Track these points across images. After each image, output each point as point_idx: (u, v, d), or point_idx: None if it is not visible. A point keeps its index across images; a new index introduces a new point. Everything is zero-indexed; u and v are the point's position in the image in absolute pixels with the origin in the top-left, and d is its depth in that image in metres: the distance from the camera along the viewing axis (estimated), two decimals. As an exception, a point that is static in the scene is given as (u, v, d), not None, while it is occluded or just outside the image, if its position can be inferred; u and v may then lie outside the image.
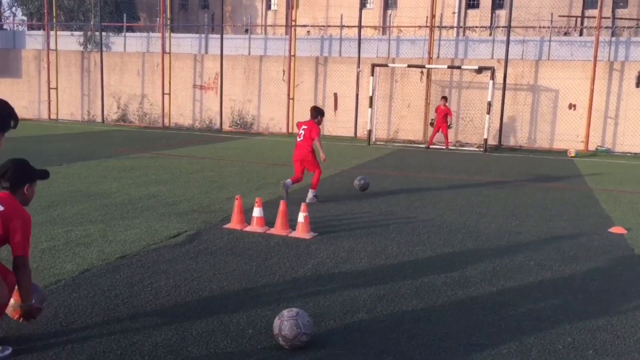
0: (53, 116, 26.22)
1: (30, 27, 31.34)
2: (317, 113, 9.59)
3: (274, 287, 5.23)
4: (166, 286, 5.11)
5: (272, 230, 7.19)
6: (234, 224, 7.40)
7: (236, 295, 4.98)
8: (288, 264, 5.92)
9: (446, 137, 19.29)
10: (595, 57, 19.29)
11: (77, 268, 5.47)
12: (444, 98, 19.41)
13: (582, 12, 26.82)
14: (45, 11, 26.61)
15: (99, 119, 25.57)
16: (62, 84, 26.25)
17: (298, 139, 9.44)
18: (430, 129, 19.93)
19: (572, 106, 20.08)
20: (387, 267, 5.97)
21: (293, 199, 8.84)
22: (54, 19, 26.18)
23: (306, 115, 9.66)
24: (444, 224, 8.06)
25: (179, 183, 10.49)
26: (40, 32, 27.88)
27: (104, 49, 25.85)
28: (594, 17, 21.75)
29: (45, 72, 26.36)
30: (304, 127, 9.45)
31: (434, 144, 19.62)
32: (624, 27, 24.34)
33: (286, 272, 5.65)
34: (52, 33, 26.18)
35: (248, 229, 7.27)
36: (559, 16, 25.04)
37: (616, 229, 8.01)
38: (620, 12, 26.57)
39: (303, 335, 3.91)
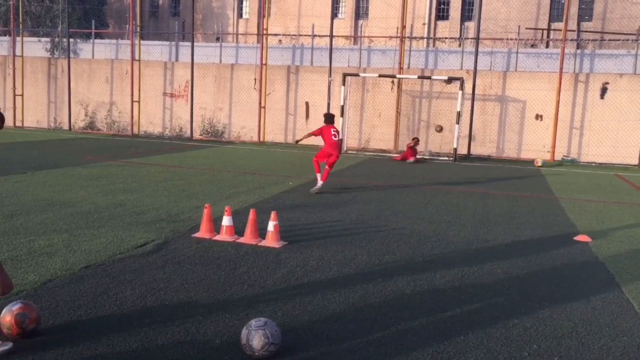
0: (19, 123, 25.68)
1: (-4, 33, 30.67)
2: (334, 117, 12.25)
3: (242, 296, 5.17)
4: (132, 296, 5.01)
5: (242, 239, 7.13)
6: (202, 232, 7.31)
7: (203, 305, 4.91)
8: (257, 273, 5.87)
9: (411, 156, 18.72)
10: (561, 68, 19.72)
11: (39, 279, 5.33)
12: (415, 139, 18.92)
13: (549, 24, 27.44)
14: (12, 16, 26.10)
15: (66, 127, 25.12)
16: (28, 90, 25.74)
17: (334, 139, 11.51)
18: (401, 140, 19.87)
19: (538, 117, 20.46)
20: (356, 275, 5.96)
21: (263, 208, 8.80)
22: (21, 25, 25.68)
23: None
24: (413, 232, 8.10)
25: (147, 191, 10.35)
26: (6, 37, 27.31)
27: (71, 55, 25.44)
28: (560, 30, 22.25)
29: (11, 78, 25.81)
30: (333, 129, 11.62)
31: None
32: (589, 40, 24.95)
33: (255, 281, 5.60)
34: (19, 39, 25.68)
35: (217, 237, 7.20)
36: (526, 28, 25.56)
37: (581, 237, 8.16)
38: (585, 25, 27.25)
39: (271, 345, 3.87)
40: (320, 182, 11.28)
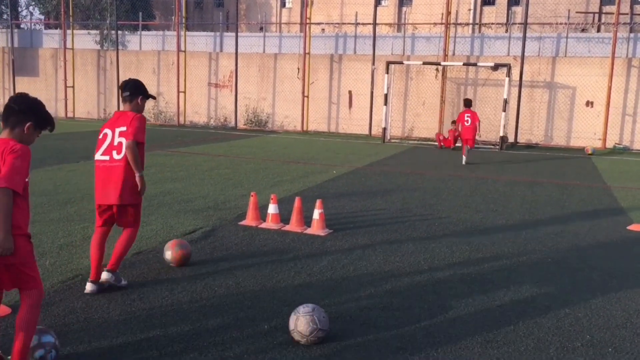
0: (70, 114, 26.45)
1: (47, 26, 31.64)
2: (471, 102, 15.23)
3: (289, 283, 5.22)
4: (182, 281, 5.13)
5: (288, 227, 7.19)
6: (249, 220, 7.40)
7: (251, 291, 4.98)
8: (304, 260, 5.91)
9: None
10: (613, 53, 19.04)
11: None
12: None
13: (600, 8, 26.49)
14: (62, 10, 26.84)
15: (115, 117, 25.73)
16: (79, 82, 26.47)
17: (466, 124, 14.41)
18: (446, 128, 19.62)
19: (589, 103, 19.85)
20: (402, 264, 5.94)
21: (308, 196, 8.84)
22: (71, 18, 26.38)
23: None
24: (459, 221, 8.00)
25: (194, 180, 10.53)
26: (57, 30, 28.13)
27: (119, 47, 26.01)
28: (612, 13, 21.47)
29: (62, 70, 26.57)
30: (467, 114, 14.44)
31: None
32: (643, 23, 24.01)
33: (302, 269, 5.64)
34: (69, 32, 26.40)
35: (263, 225, 7.27)
36: (576, 12, 24.76)
37: (635, 227, 7.90)
38: (638, 8, 26.20)
39: (319, 331, 3.91)
40: (463, 157, 14.18)
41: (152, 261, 5.68)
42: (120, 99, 5.07)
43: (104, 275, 4.79)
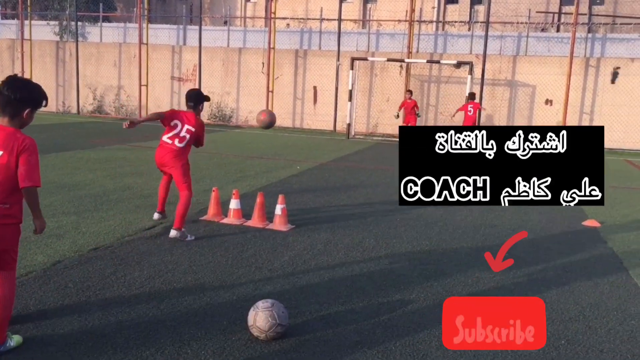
0: (27, 107, 25.74)
1: (4, 16, 30.66)
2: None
3: (249, 278, 5.19)
4: (140, 278, 5.04)
5: (249, 223, 7.15)
6: (210, 216, 7.34)
7: (211, 287, 4.93)
8: (265, 256, 5.89)
9: None
10: (572, 53, 19.50)
11: (48, 260, 5.38)
12: (409, 92, 19.41)
13: (560, 8, 27.06)
14: (20, 0, 26.09)
15: (74, 110, 25.18)
16: (37, 74, 25.76)
17: (469, 113, 16.22)
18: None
19: (548, 101, 20.30)
20: (363, 259, 5.97)
21: (271, 192, 8.80)
22: (29, 8, 25.64)
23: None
24: (420, 217, 8.09)
25: (155, 175, 10.34)
26: (14, 21, 27.32)
27: (79, 39, 25.43)
28: (571, 14, 21.98)
29: (20, 62, 25.84)
30: (471, 105, 16.28)
31: None
32: (600, 24, 24.62)
33: (262, 264, 5.62)
34: (27, 22, 25.68)
35: (225, 221, 7.22)
36: (537, 12, 25.24)
37: (590, 222, 8.12)
38: (596, 8, 26.85)
39: (278, 326, 3.89)
40: None
41: (108, 257, 5.57)
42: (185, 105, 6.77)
43: (172, 233, 6.28)
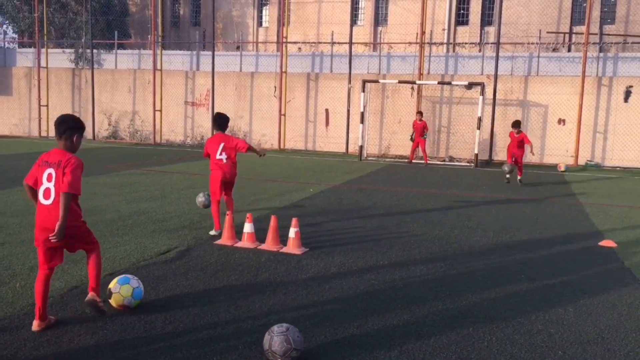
0: (44, 133, 26.14)
1: (21, 45, 31.30)
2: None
3: (264, 302, 5.20)
4: (155, 303, 5.07)
5: (263, 246, 7.16)
6: (224, 240, 7.37)
7: (226, 311, 4.94)
8: (279, 280, 5.89)
9: (424, 152, 19.13)
10: (584, 72, 19.50)
11: (65, 285, 5.42)
12: (420, 113, 19.39)
13: (570, 28, 27.13)
14: (36, 28, 26.63)
15: (90, 136, 25.51)
16: (53, 101, 26.22)
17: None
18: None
19: (561, 121, 20.25)
20: (378, 282, 5.95)
21: (284, 215, 8.83)
22: (45, 37, 26.18)
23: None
24: (435, 238, 8.06)
25: (170, 199, 10.45)
26: (31, 49, 27.88)
27: (95, 66, 25.87)
28: (582, 34, 22.02)
29: (36, 89, 26.33)
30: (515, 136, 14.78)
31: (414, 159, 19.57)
32: (612, 43, 24.63)
33: (277, 288, 5.62)
34: (43, 50, 26.19)
35: (239, 244, 7.24)
36: (547, 32, 25.33)
37: (606, 242, 8.04)
38: (607, 28, 26.88)
39: (293, 350, 3.89)
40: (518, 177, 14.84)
41: (125, 282, 5.59)
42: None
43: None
